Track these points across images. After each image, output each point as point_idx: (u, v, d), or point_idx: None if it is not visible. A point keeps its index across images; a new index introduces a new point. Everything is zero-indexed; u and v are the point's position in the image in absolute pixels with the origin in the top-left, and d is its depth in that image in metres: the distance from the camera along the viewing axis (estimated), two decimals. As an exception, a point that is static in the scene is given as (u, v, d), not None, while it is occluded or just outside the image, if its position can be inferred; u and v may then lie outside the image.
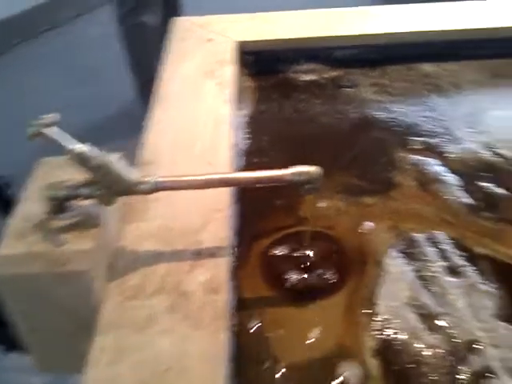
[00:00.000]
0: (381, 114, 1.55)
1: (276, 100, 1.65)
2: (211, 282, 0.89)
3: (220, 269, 0.92)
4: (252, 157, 1.37)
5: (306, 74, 1.74)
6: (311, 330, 0.96)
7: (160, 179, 0.91)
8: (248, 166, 1.31)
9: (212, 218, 1.02)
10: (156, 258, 0.94)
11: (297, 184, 0.93)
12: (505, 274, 1.05)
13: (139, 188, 0.90)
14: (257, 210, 1.22)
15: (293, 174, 0.92)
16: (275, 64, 1.73)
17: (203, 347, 0.79)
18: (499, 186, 1.27)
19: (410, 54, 1.75)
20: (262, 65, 1.70)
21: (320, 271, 1.06)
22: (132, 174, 0.91)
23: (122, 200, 0.96)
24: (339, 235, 1.15)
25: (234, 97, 1.42)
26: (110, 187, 0.90)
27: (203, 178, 0.92)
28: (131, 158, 1.12)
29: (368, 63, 1.75)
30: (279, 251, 1.10)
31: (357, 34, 1.73)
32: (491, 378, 0.87)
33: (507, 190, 1.26)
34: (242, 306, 0.98)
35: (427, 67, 1.73)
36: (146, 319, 0.84)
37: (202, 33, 1.73)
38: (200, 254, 0.95)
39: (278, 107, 1.62)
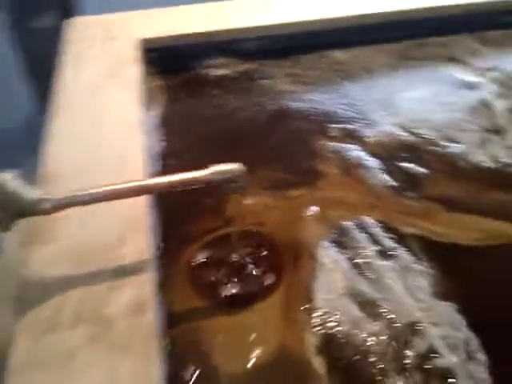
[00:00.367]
0: (297, 104, 1.55)
1: (188, 98, 1.59)
2: (136, 301, 0.83)
3: (145, 286, 0.85)
4: (169, 160, 1.31)
5: (218, 68, 1.70)
6: (251, 336, 0.92)
7: (65, 195, 0.83)
8: (165, 170, 1.25)
9: (130, 231, 0.95)
10: (70, 283, 0.85)
11: (220, 183, 0.89)
12: (435, 252, 1.08)
13: (40, 207, 0.81)
14: (181, 214, 1.16)
15: (212, 173, 0.88)
16: (184, 60, 1.67)
17: (135, 375, 0.73)
18: (419, 165, 1.31)
19: (321, 42, 1.77)
20: (170, 62, 1.64)
21: (253, 272, 1.02)
22: (31, 193, 0.82)
23: (23, 222, 0.86)
24: (270, 232, 1.12)
25: (142, 98, 1.35)
26: (7, 209, 0.80)
27: (114, 188, 0.85)
28: (32, 175, 1.02)
29: (280, 53, 1.75)
30: (209, 256, 1.05)
31: (265, 24, 1.72)
32: (436, 357, 0.88)
33: (427, 168, 1.30)
34: (174, 322, 0.92)
35: (339, 54, 1.76)
36: (66, 355, 0.76)
37: (102, 32, 1.63)
38: (120, 272, 0.87)
39: (191, 105, 1.57)
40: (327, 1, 1.81)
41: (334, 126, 1.45)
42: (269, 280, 1.02)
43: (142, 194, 0.96)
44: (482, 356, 0.88)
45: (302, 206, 1.20)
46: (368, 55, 1.77)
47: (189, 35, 1.65)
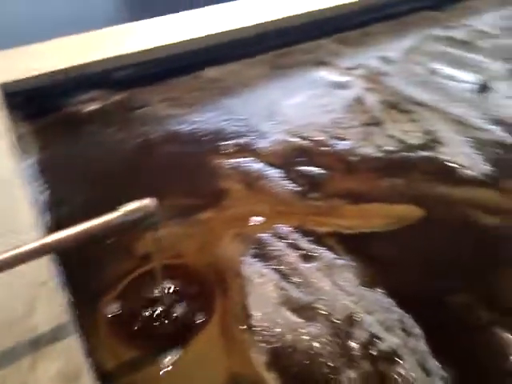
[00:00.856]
0: (183, 128, 1.56)
1: (64, 139, 1.51)
2: (66, 370, 0.76)
3: (70, 352, 0.79)
4: (60, 208, 1.22)
5: (89, 103, 1.64)
6: (196, 373, 0.89)
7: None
8: (60, 221, 1.17)
9: (38, 295, 0.87)
10: (-17, 367, 0.75)
11: (134, 223, 0.86)
12: (350, 244, 1.15)
13: None
14: (90, 264, 1.09)
15: (125, 214, 0.84)
16: (50, 100, 1.59)
17: None
18: (316, 166, 1.40)
19: (192, 62, 1.81)
20: (35, 104, 1.54)
21: (182, 307, 1.00)
22: None
23: None
24: (190, 261, 1.10)
25: (13, 147, 1.25)
26: None
27: (13, 253, 0.76)
28: None
29: (152, 79, 1.74)
30: (129, 302, 1.00)
31: (131, 51, 1.71)
32: (378, 342, 0.93)
33: (323, 168, 1.39)
34: (110, 380, 0.86)
35: (212, 72, 1.81)
36: None
37: None
38: (39, 342, 0.80)
39: (69, 146, 1.49)
40: (189, 22, 1.85)
41: (225, 143, 1.48)
42: (200, 311, 1.00)
43: (46, 253, 0.88)
44: (418, 330, 0.96)
45: (214, 227, 1.20)
46: (240, 69, 1.84)
47: (51, 73, 1.57)
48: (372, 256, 1.14)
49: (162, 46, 1.75)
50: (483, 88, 1.72)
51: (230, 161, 1.41)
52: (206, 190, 1.33)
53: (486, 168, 1.41)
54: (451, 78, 1.80)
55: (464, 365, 0.93)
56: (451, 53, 1.95)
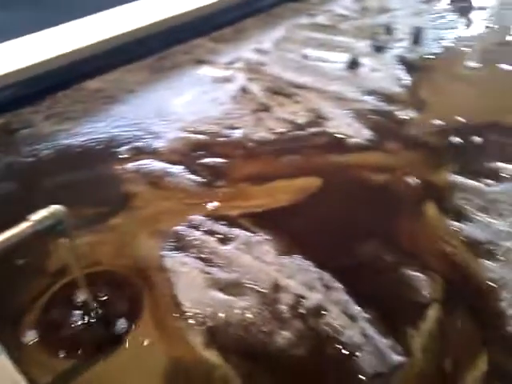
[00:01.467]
0: (75, 141, 1.53)
1: None
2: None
3: (3, 370, 0.76)
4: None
5: (-34, 132, 1.55)
6: (136, 367, 0.90)
7: None
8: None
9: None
10: None
11: (45, 231, 0.85)
12: (264, 220, 1.22)
13: None
14: (6, 285, 1.04)
15: (35, 223, 0.83)
16: None
17: None
18: (215, 156, 1.45)
19: (71, 75, 1.77)
20: None
21: (110, 311, 0.99)
22: None
23: None
24: (110, 267, 1.10)
25: None
26: None
27: None
28: None
29: (33, 98, 1.68)
30: (57, 314, 0.98)
31: (5, 72, 1.63)
32: (303, 301, 1.01)
33: (224, 157, 1.45)
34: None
35: (95, 83, 1.79)
36: None
37: None
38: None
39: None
40: (62, 36, 1.81)
41: (121, 148, 1.48)
42: (130, 310, 1.00)
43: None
44: (337, 283, 1.05)
45: (128, 230, 1.20)
46: (122, 77, 1.84)
47: None
48: (284, 227, 1.22)
49: (38, 63, 1.70)
50: (353, 65, 1.89)
51: (130, 165, 1.41)
52: (112, 197, 1.32)
53: (369, 134, 1.55)
54: (323, 60, 1.96)
55: (381, 303, 1.04)
56: (319, 37, 2.11)
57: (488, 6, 2.44)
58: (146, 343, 0.94)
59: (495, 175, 1.38)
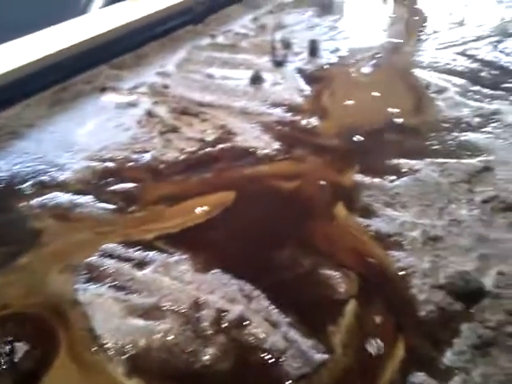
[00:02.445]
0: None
1: None
2: None
3: None
4: None
5: None
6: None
7: None
8: None
9: None
10: None
11: None
12: (180, 240, 1.21)
13: None
14: None
15: None
16: None
17: None
18: (125, 182, 1.42)
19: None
20: None
21: (24, 354, 0.94)
22: None
23: None
24: (19, 308, 1.04)
25: None
26: None
27: None
28: None
29: None
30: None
31: None
32: (226, 314, 1.01)
33: (134, 181, 1.42)
34: None
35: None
36: None
37: None
38: None
39: None
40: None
41: (25, 185, 1.42)
42: (44, 350, 0.95)
43: None
44: (257, 292, 1.06)
45: (37, 268, 1.15)
46: (23, 112, 1.77)
47: None
48: (201, 244, 1.21)
49: None
50: (256, 80, 1.94)
51: (35, 201, 1.35)
52: (18, 236, 1.26)
53: (277, 144, 1.59)
54: (227, 77, 1.99)
55: (302, 306, 1.06)
56: (221, 57, 2.15)
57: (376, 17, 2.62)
58: (63, 381, 0.90)
59: (396, 171, 1.46)
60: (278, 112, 1.76)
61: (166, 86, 1.91)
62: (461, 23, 2.43)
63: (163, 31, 2.33)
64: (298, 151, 1.57)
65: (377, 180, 1.43)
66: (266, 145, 1.59)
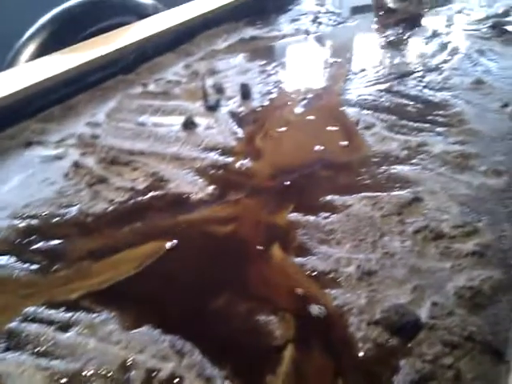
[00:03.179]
0: None
1: None
2: None
3: None
4: None
5: None
6: None
7: None
8: None
9: None
10: None
11: None
12: (108, 297, 1.15)
13: None
14: None
15: None
16: None
17: None
18: (50, 239, 1.35)
19: None
20: None
21: None
22: None
23: None
24: None
25: None
26: None
27: None
28: None
29: None
30: None
31: None
32: (157, 373, 0.95)
33: (61, 238, 1.36)
34: None
35: None
36: None
37: None
38: None
39: None
40: None
41: None
42: None
43: None
44: (190, 346, 1.01)
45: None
46: None
47: None
48: (131, 299, 1.16)
49: None
50: (189, 125, 1.93)
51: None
52: None
53: (211, 188, 1.58)
54: (159, 125, 1.98)
55: (238, 357, 1.02)
56: (153, 104, 2.14)
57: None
58: None
59: (329, 208, 1.47)
60: (212, 156, 1.75)
61: (95, 137, 1.87)
62: (386, 61, 2.54)
63: (93, 82, 2.31)
64: (233, 194, 1.56)
65: (311, 218, 1.43)
66: (200, 190, 1.57)
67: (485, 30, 2.93)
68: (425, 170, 1.64)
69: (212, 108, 2.09)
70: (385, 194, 1.52)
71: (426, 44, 2.76)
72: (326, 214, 1.44)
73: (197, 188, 1.58)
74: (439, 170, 1.63)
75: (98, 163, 1.71)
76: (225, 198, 1.54)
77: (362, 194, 1.52)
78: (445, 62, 2.51)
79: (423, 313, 1.09)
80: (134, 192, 1.56)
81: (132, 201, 1.53)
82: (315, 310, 1.11)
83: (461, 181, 1.57)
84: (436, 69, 2.42)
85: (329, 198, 1.52)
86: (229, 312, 1.12)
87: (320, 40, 2.91)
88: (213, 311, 1.13)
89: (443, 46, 2.70)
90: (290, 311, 1.12)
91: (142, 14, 3.11)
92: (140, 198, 1.54)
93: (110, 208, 1.49)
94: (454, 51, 2.62)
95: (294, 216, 1.44)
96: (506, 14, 3.18)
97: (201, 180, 1.62)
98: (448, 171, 1.63)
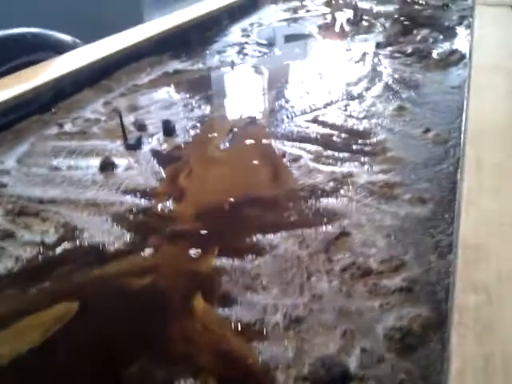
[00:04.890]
0: None
1: None
2: None
3: None
4: None
5: None
6: None
7: None
8: None
9: None
10: None
11: None
12: (6, 374, 1.01)
13: None
14: None
15: None
16: None
17: None
18: None
19: None
20: None
21: None
22: None
23: None
24: None
25: None
26: None
27: None
28: None
29: None
30: None
31: None
32: None
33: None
34: None
35: None
36: None
37: None
38: None
39: None
40: None
41: None
42: None
43: None
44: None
45: None
46: None
47: None
48: (33, 375, 1.03)
49: None
50: (107, 167, 1.82)
51: None
52: None
53: (129, 236, 1.47)
54: (75, 168, 1.85)
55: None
56: (69, 145, 2.01)
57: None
58: None
59: (255, 249, 1.40)
60: (131, 199, 1.65)
61: (2, 185, 1.72)
62: (312, 90, 2.54)
63: (4, 125, 2.15)
64: (152, 241, 1.46)
65: (237, 262, 1.35)
66: (116, 239, 1.46)
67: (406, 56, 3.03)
68: (351, 202, 1.61)
69: (132, 147, 1.99)
70: (312, 230, 1.47)
71: (350, 72, 2.80)
72: (252, 257, 1.37)
73: (112, 237, 1.47)
74: (365, 201, 1.61)
75: (4, 216, 1.56)
76: (143, 247, 1.44)
77: (289, 231, 1.47)
78: (367, 89, 2.54)
79: (352, 362, 1.03)
80: (44, 246, 1.43)
81: (41, 256, 1.39)
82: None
83: (386, 211, 1.55)
84: (359, 97, 2.44)
85: (255, 238, 1.45)
86: (147, 378, 1.02)
87: (245, 72, 2.89)
88: (131, 378, 1.02)
89: (366, 74, 2.75)
90: (215, 372, 1.03)
91: (60, 50, 2.97)
92: (50, 253, 1.41)
93: (15, 267, 1.35)
94: (376, 78, 2.67)
95: (218, 261, 1.36)
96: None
97: (117, 227, 1.51)
98: (374, 202, 1.61)
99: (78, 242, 1.45)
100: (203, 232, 1.50)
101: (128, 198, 1.66)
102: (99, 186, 1.73)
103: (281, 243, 1.42)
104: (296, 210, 1.58)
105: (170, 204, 1.62)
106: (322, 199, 1.63)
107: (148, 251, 1.42)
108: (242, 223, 1.54)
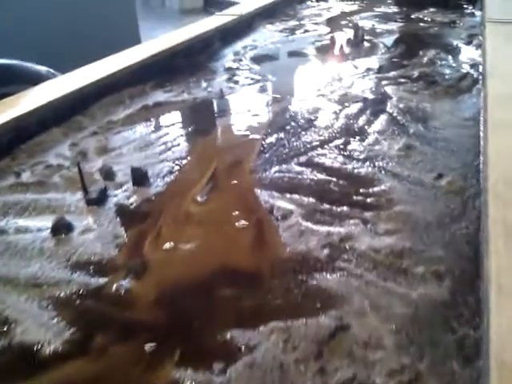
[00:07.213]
0: None
1: None
2: None
3: None
4: None
5: None
6: None
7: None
8: None
9: None
10: None
11: None
12: None
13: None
14: None
15: None
16: None
17: None
18: None
19: None
20: None
21: None
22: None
23: None
24: None
25: None
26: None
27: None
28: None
29: None
30: None
31: None
32: None
33: None
34: None
35: None
36: None
37: None
38: None
39: None
40: None
41: None
42: None
43: None
44: None
45: None
46: None
47: None
48: None
49: None
50: (60, 230, 1.52)
51: None
52: None
53: (71, 331, 1.17)
54: (23, 230, 1.56)
55: None
56: (23, 200, 1.72)
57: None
58: None
59: (227, 352, 1.09)
60: (81, 277, 1.34)
61: None
62: (305, 126, 2.24)
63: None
64: (99, 339, 1.15)
65: (200, 374, 1.04)
66: (55, 335, 1.16)
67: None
68: (350, 278, 1.30)
69: (94, 201, 1.69)
70: (300, 321, 1.16)
71: (350, 101, 2.50)
72: (222, 365, 1.06)
73: (51, 334, 1.16)
74: (368, 277, 1.30)
75: None
76: (86, 346, 1.13)
77: (272, 323, 1.16)
78: (369, 122, 2.24)
79: None
80: (-39, 348, 1.13)
81: (-47, 365, 1.09)
82: None
83: (394, 293, 1.24)
84: (360, 132, 2.14)
85: (227, 334, 1.14)
86: None
87: (234, 103, 2.59)
88: None
89: (368, 104, 2.45)
90: None
91: (36, 82, 2.68)
92: (-34, 358, 1.10)
93: None
94: (379, 108, 2.37)
95: (178, 373, 1.05)
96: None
97: (58, 318, 1.21)
98: (378, 278, 1.29)
99: (7, 341, 1.15)
100: (163, 324, 1.19)
101: (77, 276, 1.35)
102: (46, 258, 1.42)
103: (260, 343, 1.11)
104: (282, 290, 1.27)
105: (127, 282, 1.32)
106: (314, 274, 1.32)
107: (91, 354, 1.11)
108: (214, 311, 1.23)
